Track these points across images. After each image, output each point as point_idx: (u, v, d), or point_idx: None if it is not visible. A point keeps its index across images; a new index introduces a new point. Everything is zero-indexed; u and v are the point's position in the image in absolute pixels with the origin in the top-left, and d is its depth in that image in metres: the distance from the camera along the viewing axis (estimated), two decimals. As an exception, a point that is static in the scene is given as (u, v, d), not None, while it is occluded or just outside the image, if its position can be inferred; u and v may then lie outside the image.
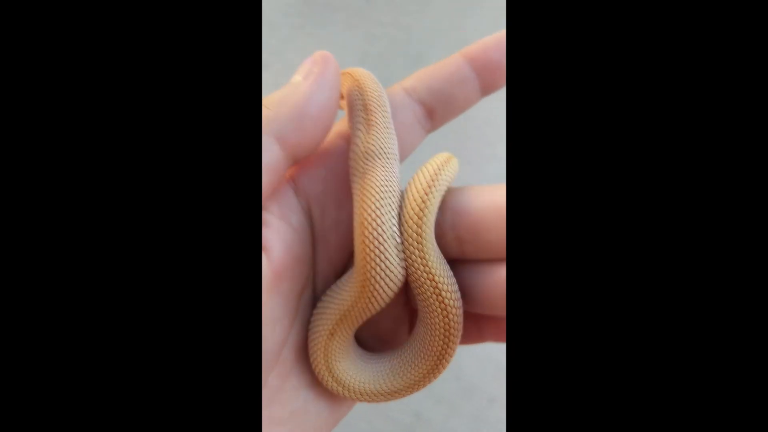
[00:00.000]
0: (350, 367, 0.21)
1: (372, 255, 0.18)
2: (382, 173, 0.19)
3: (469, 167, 0.67)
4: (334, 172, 0.21)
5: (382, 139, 0.20)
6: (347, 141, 0.22)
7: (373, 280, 0.18)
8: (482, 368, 0.54)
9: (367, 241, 0.18)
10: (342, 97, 0.22)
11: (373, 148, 0.20)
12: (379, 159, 0.20)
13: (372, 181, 0.19)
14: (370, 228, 0.18)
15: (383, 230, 0.19)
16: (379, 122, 0.20)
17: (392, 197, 0.19)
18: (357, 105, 0.21)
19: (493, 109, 0.71)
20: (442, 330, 0.20)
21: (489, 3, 0.80)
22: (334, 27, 0.83)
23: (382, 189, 0.19)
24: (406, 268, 0.19)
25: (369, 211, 0.18)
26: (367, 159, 0.20)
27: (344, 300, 0.20)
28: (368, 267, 0.18)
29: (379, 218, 0.19)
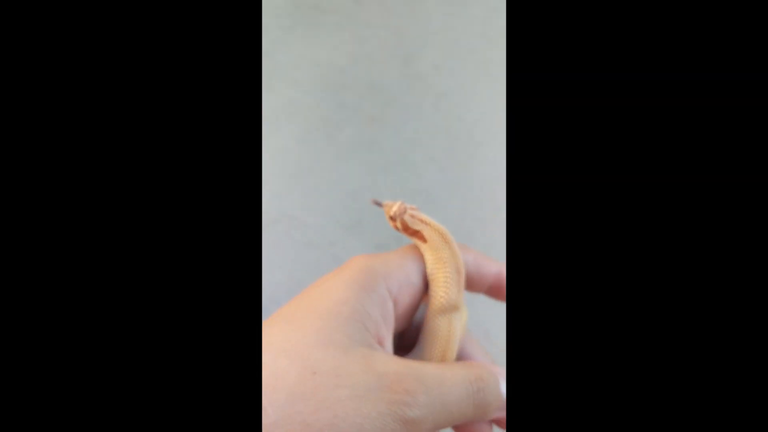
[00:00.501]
0: None
1: (447, 357, 0.32)
2: (459, 322, 0.33)
3: (458, 168, 0.67)
4: (406, 288, 0.31)
5: (462, 297, 0.33)
6: (416, 264, 0.33)
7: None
8: (471, 370, 0.54)
9: (449, 354, 0.32)
10: (425, 240, 0.32)
11: (459, 304, 0.33)
12: (459, 311, 0.33)
13: (456, 325, 0.33)
14: (453, 347, 0.32)
15: (456, 348, 0.33)
16: (463, 286, 0.33)
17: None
18: (449, 263, 0.32)
19: (483, 108, 0.71)
20: None
21: (479, 4, 0.80)
22: (323, 29, 0.83)
23: (457, 330, 0.33)
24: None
25: (453, 342, 0.32)
26: (453, 308, 0.32)
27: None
28: (445, 359, 0.32)
29: (456, 343, 0.33)
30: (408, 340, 0.35)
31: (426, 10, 0.81)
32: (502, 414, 0.30)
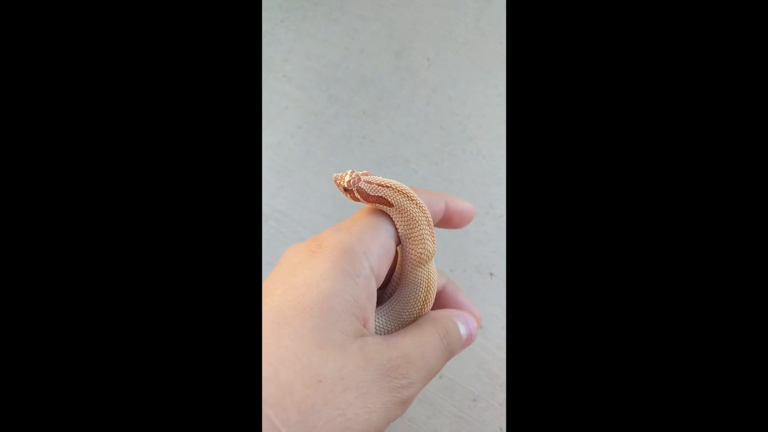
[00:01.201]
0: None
1: (429, 301, 0.33)
2: (434, 267, 0.34)
3: (451, 163, 0.67)
4: (384, 260, 0.31)
5: (434, 244, 0.33)
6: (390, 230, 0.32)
7: (426, 309, 0.33)
8: (464, 367, 0.54)
9: (429, 298, 0.33)
10: (391, 204, 0.31)
11: (434, 251, 0.32)
12: (433, 258, 0.33)
13: (433, 270, 0.34)
14: (433, 290, 0.33)
15: (435, 291, 0.33)
16: (434, 233, 0.32)
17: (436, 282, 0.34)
18: (421, 221, 0.31)
19: (476, 102, 0.71)
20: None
21: (471, -3, 0.79)
22: (315, 21, 0.81)
23: (434, 274, 0.34)
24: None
25: (432, 288, 0.33)
26: (430, 258, 0.32)
27: (408, 317, 0.33)
28: (426, 305, 0.33)
29: (435, 287, 0.33)
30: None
31: (418, 2, 0.80)
32: (462, 349, 0.33)
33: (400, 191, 0.31)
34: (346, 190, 0.31)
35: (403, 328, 0.33)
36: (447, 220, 0.35)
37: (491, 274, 0.59)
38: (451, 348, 0.31)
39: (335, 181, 0.31)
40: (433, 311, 0.33)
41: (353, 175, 0.31)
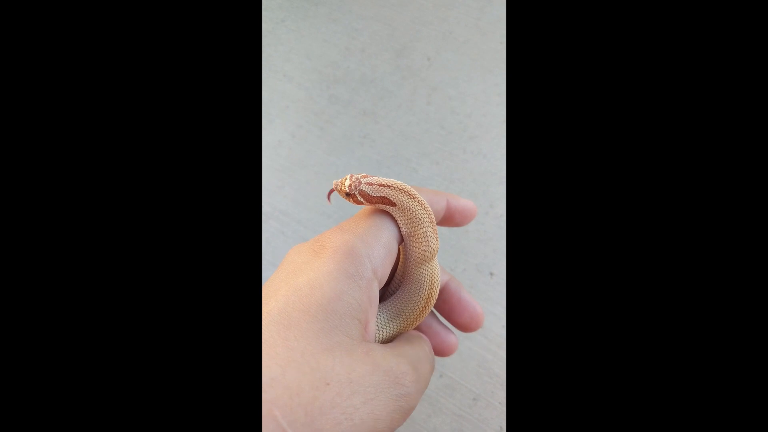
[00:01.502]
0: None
1: (432, 298, 0.33)
2: (437, 265, 0.34)
3: (452, 162, 0.67)
4: (387, 261, 0.31)
5: (438, 241, 0.33)
6: (393, 230, 0.32)
7: (429, 307, 0.34)
8: (465, 366, 0.54)
9: (433, 295, 0.33)
10: (393, 204, 0.31)
11: (437, 249, 0.33)
12: (436, 255, 0.34)
13: (436, 267, 0.34)
14: (437, 287, 0.33)
15: (438, 288, 0.34)
16: (437, 231, 0.33)
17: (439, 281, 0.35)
18: (424, 219, 0.32)
19: (476, 101, 0.71)
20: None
21: (472, -3, 0.79)
22: (315, 21, 0.82)
23: (438, 272, 0.34)
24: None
25: (436, 285, 0.33)
26: (433, 256, 0.33)
27: (410, 315, 0.34)
28: (429, 302, 0.33)
29: (438, 284, 0.33)
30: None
31: (418, 2, 0.80)
32: None
33: (401, 190, 0.31)
34: (348, 194, 0.31)
35: (406, 325, 0.33)
36: (449, 219, 0.35)
37: (491, 274, 0.59)
38: (433, 365, 0.32)
39: (336, 187, 0.31)
40: (413, 332, 0.33)
41: (353, 179, 0.31)
